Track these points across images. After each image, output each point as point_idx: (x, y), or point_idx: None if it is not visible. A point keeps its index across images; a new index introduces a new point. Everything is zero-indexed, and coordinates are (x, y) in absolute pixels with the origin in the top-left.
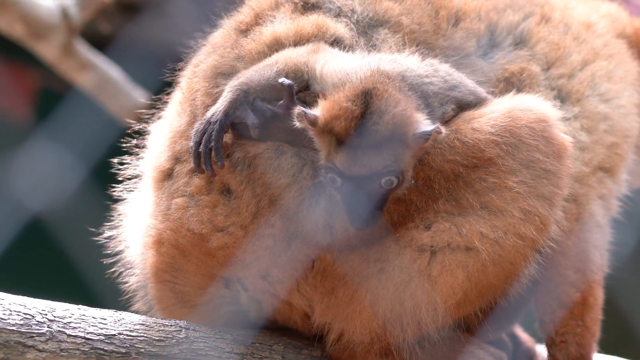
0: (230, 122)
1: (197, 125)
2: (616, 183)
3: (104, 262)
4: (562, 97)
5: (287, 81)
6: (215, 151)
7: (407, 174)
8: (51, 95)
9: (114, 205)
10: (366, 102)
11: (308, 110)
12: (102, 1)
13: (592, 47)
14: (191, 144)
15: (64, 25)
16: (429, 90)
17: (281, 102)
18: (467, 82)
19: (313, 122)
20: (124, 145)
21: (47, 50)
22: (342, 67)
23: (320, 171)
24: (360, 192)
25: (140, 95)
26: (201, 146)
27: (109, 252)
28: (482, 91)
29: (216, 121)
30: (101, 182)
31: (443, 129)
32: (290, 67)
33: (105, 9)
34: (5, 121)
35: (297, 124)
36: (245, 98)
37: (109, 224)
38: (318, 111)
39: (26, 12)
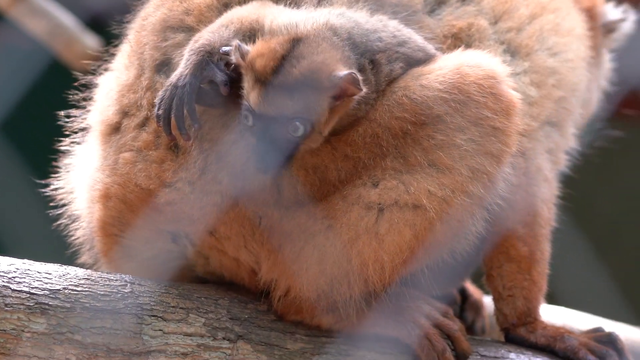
0: (199, 83)
1: (162, 93)
2: (564, 137)
3: (50, 214)
4: (512, 52)
5: (233, 42)
6: (190, 113)
7: (319, 126)
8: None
9: (61, 158)
10: (292, 46)
11: (243, 45)
12: None
13: (539, 1)
14: (159, 111)
15: None
16: (376, 47)
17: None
18: (416, 39)
19: (243, 56)
20: (71, 97)
21: None
22: (290, 20)
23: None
24: (269, 134)
25: (93, 42)
26: (172, 111)
27: (55, 204)
28: (430, 47)
29: (185, 84)
30: (47, 136)
31: (359, 75)
32: (245, 26)
33: None
34: None
35: (233, 57)
36: (210, 58)
37: (55, 176)
38: (252, 47)
39: None
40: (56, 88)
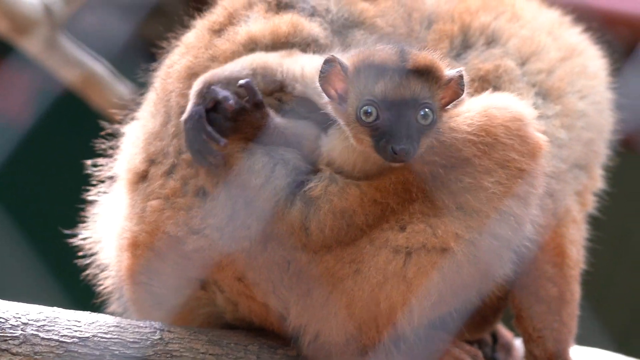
0: (204, 107)
1: (183, 137)
2: (592, 179)
3: (79, 264)
4: (543, 94)
5: (243, 80)
6: (209, 135)
7: (438, 120)
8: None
9: (89, 207)
10: (400, 45)
11: (339, 57)
12: None
13: (567, 43)
14: (190, 152)
15: (48, 20)
16: None
17: (246, 97)
18: None
19: (345, 66)
20: (98, 146)
21: (31, 46)
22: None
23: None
24: (399, 121)
25: (126, 90)
26: (195, 145)
27: (84, 254)
28: None
29: (191, 115)
30: (76, 184)
31: (464, 73)
32: (258, 64)
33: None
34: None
35: (324, 69)
36: (209, 85)
37: (84, 225)
38: (345, 59)
39: (9, 7)
40: (86, 136)
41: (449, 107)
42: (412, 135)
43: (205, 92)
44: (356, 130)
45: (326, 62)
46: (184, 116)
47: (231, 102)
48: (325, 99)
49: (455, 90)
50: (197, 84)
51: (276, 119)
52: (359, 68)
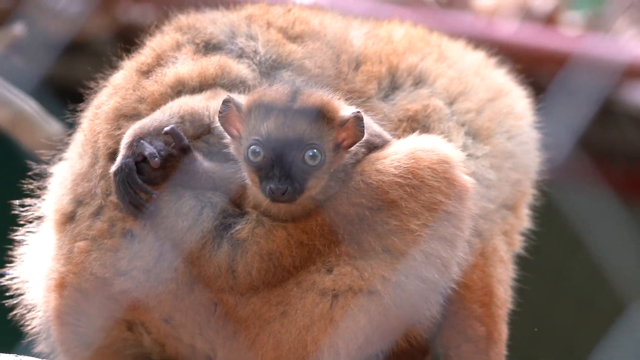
0: (133, 160)
1: (113, 189)
2: (519, 219)
3: (5, 304)
4: (473, 134)
5: (168, 127)
6: (141, 188)
7: (328, 162)
8: None
9: (16, 247)
10: (296, 86)
11: (234, 97)
12: (14, 35)
13: (494, 83)
14: (121, 204)
15: None
16: None
17: (173, 144)
18: (373, 125)
19: (239, 105)
20: (26, 187)
21: None
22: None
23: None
24: (282, 161)
25: (55, 130)
26: (126, 197)
27: (11, 294)
28: (386, 134)
29: (120, 167)
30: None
31: (363, 113)
32: (185, 110)
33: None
34: None
35: (222, 109)
36: (139, 139)
37: (11, 265)
38: (242, 100)
39: None
40: (13, 176)
41: (352, 148)
42: (294, 175)
43: (135, 146)
44: (247, 170)
45: (223, 102)
46: (114, 168)
47: (156, 159)
48: (227, 138)
49: (354, 131)
50: (127, 137)
51: (204, 163)
52: (251, 107)
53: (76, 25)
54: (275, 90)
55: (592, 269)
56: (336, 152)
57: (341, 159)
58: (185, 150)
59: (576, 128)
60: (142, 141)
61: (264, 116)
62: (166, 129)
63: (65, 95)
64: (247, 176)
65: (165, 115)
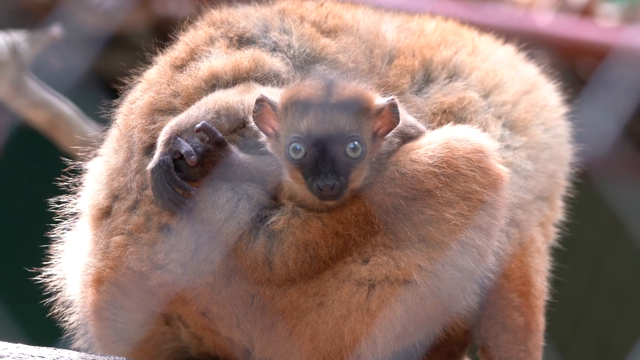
0: (170, 157)
1: (150, 185)
2: (553, 210)
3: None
4: (510, 126)
5: (199, 124)
6: (179, 185)
7: (369, 152)
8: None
9: (53, 244)
10: (330, 79)
11: (268, 97)
12: (52, 37)
13: (527, 76)
14: (159, 202)
15: (14, 62)
16: None
17: (207, 139)
18: (407, 115)
19: (274, 105)
20: (61, 183)
21: None
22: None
23: (278, 178)
24: (324, 157)
25: (94, 130)
26: (164, 195)
27: (49, 291)
28: (421, 124)
29: (158, 165)
30: (40, 221)
31: (397, 101)
32: (220, 105)
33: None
34: None
35: (256, 108)
36: (176, 136)
37: (48, 262)
38: (276, 97)
39: None
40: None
41: (388, 135)
42: (339, 170)
43: (172, 144)
44: (289, 167)
45: (257, 102)
46: (151, 165)
47: (193, 157)
48: (263, 136)
49: (390, 118)
50: (164, 134)
51: (240, 155)
52: (287, 105)
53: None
54: (310, 86)
55: (632, 261)
56: (374, 140)
57: (379, 147)
58: (220, 144)
59: (618, 120)
60: (178, 138)
61: (302, 113)
62: (198, 125)
63: (103, 90)
64: (288, 173)
65: (200, 110)
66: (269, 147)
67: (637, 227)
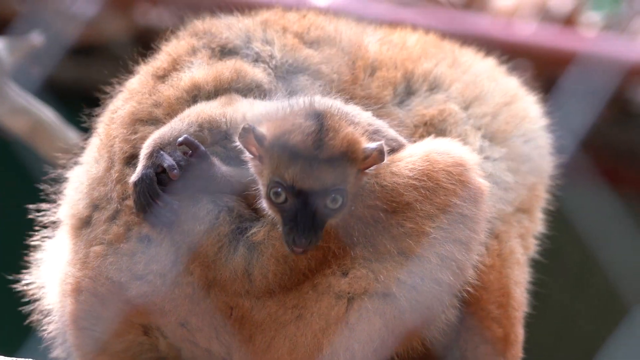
0: (153, 171)
1: (132, 196)
2: (533, 222)
3: (22, 310)
4: (490, 137)
5: (181, 137)
6: (162, 200)
7: (349, 198)
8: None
9: (32, 252)
10: (320, 119)
11: (254, 126)
12: (32, 44)
13: (508, 88)
14: (141, 215)
15: None
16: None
17: (190, 152)
18: (389, 129)
19: (260, 138)
20: (43, 191)
21: None
22: (269, 109)
23: (258, 193)
24: (305, 209)
25: (74, 137)
26: (147, 208)
27: (27, 299)
28: (402, 138)
29: (141, 178)
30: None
31: (385, 147)
32: (203, 119)
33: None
34: None
35: (238, 142)
36: (159, 149)
37: (27, 271)
38: (264, 129)
39: None
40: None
41: (370, 169)
42: (317, 223)
43: (155, 157)
44: (268, 204)
45: (243, 129)
46: (134, 178)
47: (175, 171)
48: (247, 155)
49: (375, 157)
50: (147, 147)
51: (222, 168)
52: (273, 144)
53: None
54: (299, 130)
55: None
56: (356, 176)
57: (361, 181)
58: (202, 157)
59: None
60: (161, 152)
61: (288, 161)
62: (180, 139)
63: (83, 100)
64: (266, 204)
65: (183, 124)
66: (251, 166)
67: (602, 235)
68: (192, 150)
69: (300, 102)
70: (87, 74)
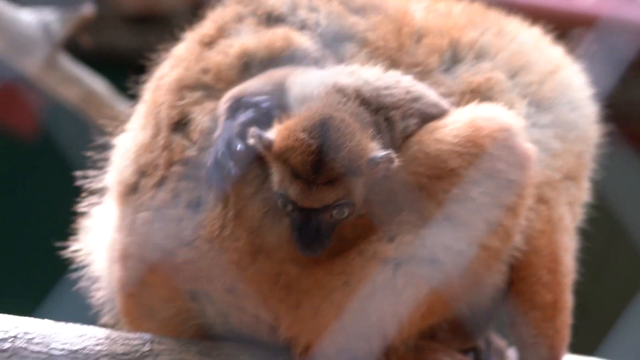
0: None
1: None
2: (580, 191)
3: (70, 276)
4: (536, 104)
5: (240, 145)
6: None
7: (358, 203)
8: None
9: (81, 219)
10: (323, 134)
11: (263, 133)
12: (84, 16)
13: (553, 57)
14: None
15: (46, 39)
16: (389, 102)
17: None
18: (430, 94)
19: (268, 146)
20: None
21: (31, 65)
22: (302, 80)
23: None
24: (312, 222)
25: (125, 107)
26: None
27: (75, 266)
28: (445, 103)
29: (230, 140)
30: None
31: (395, 158)
32: (276, 80)
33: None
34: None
35: (251, 142)
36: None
37: (74, 238)
38: (273, 134)
39: (7, 27)
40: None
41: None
42: (322, 233)
43: (236, 106)
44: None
45: (251, 134)
46: (219, 133)
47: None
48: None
49: (386, 164)
50: (226, 102)
51: None
52: (278, 157)
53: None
54: (301, 150)
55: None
56: (365, 184)
57: (372, 181)
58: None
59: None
60: (245, 98)
61: (290, 179)
62: (240, 147)
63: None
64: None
65: (259, 82)
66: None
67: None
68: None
69: (318, 85)
70: (146, 44)
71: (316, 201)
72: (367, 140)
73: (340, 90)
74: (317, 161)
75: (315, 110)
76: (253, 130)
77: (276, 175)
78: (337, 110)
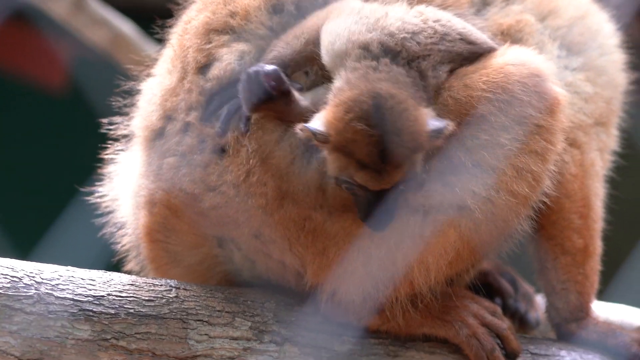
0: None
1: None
2: (610, 138)
3: (95, 222)
4: (567, 47)
5: (270, 68)
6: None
7: (420, 170)
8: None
9: (105, 165)
10: (380, 120)
11: (314, 128)
12: None
13: (582, 2)
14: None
15: None
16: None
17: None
18: (475, 33)
19: (324, 140)
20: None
21: (59, 8)
22: (331, 31)
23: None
24: (378, 202)
25: (153, 50)
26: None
27: (100, 212)
28: (491, 41)
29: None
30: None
31: (450, 124)
32: (313, 36)
33: None
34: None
35: (300, 134)
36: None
37: (100, 183)
38: (322, 125)
39: None
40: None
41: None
42: (390, 209)
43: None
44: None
45: (299, 127)
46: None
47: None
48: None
49: (444, 134)
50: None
51: (301, 103)
52: (340, 149)
53: None
54: (363, 141)
55: None
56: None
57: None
58: (284, 94)
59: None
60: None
61: (356, 168)
62: (268, 70)
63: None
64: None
65: (300, 43)
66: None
67: None
68: (277, 85)
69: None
70: None
71: (387, 183)
72: (420, 111)
73: (368, 50)
74: (383, 150)
75: (361, 91)
76: (301, 125)
77: (335, 163)
78: (379, 82)
